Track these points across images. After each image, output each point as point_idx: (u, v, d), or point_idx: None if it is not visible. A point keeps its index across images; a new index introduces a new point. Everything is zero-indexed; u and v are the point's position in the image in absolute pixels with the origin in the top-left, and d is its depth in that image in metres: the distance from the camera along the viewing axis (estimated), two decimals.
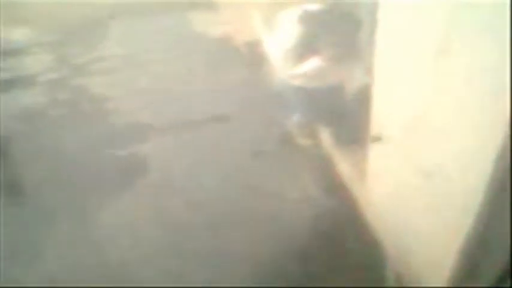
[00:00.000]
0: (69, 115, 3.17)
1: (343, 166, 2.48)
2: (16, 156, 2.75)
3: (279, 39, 2.70)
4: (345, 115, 2.49)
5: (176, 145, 2.82)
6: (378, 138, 1.89)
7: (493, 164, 1.16)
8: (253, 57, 3.43)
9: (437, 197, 1.50)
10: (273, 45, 2.86)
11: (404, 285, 1.84)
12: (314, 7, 2.58)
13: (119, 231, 2.28)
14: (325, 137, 2.71)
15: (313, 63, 2.51)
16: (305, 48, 2.51)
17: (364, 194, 2.22)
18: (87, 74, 3.62)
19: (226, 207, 2.36)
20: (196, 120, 2.99)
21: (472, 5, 1.13)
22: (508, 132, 1.08)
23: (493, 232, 1.29)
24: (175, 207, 2.40)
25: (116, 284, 1.99)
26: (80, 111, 3.22)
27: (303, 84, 2.58)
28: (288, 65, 2.59)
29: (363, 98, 2.04)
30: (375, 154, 2.02)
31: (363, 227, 2.14)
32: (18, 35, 4.02)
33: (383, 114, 1.86)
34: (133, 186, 2.54)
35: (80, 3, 4.10)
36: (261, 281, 1.97)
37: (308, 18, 2.52)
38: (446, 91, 1.33)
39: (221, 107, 3.05)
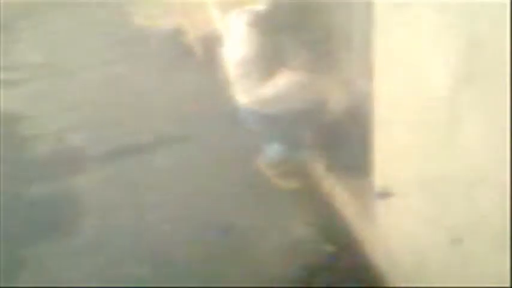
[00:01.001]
0: None
1: (344, 205, 2.23)
2: None
3: (231, 49, 2.31)
4: (336, 140, 2.22)
5: (118, 176, 2.53)
6: (386, 195, 1.69)
7: None
8: (211, 58, 3.18)
9: (469, 265, 1.42)
10: (227, 55, 2.44)
11: None
12: (264, 7, 2.18)
13: None
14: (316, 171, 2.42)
15: (282, 80, 2.13)
16: (265, 61, 2.14)
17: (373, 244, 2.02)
18: None
19: (192, 262, 2.06)
20: (142, 144, 2.72)
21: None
22: None
23: None
24: (122, 259, 2.11)
25: None
26: None
27: (273, 110, 2.21)
28: (244, 85, 2.21)
29: (362, 113, 1.82)
30: (385, 210, 1.84)
31: None
32: None
33: (390, 165, 1.71)
34: (66, 232, 2.27)
35: None
36: None
37: (261, 21, 2.14)
38: (469, 131, 1.22)
39: (173, 128, 2.78)
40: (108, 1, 4.00)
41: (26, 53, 3.68)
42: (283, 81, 2.15)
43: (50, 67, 3.49)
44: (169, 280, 2.01)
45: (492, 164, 1.18)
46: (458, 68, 1.19)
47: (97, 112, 2.99)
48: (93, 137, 2.78)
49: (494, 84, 1.09)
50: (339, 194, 2.27)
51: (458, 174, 1.33)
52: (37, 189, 2.49)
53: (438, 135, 1.37)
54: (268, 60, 2.15)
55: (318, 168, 2.40)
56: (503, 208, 1.16)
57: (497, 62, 1.05)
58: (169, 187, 2.43)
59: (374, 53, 1.56)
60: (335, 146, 2.27)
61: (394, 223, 1.81)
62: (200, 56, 3.25)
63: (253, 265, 2.05)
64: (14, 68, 3.49)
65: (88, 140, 2.76)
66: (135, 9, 3.97)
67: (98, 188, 2.47)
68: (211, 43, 3.18)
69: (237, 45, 2.23)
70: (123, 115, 2.94)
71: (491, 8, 1.03)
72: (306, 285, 2.00)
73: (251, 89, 2.19)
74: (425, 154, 1.47)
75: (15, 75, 3.42)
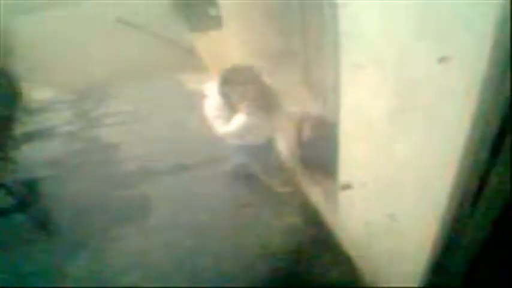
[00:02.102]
0: (85, 161, 3.54)
1: (317, 200, 2.63)
2: (42, 198, 3.06)
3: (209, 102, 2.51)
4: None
5: (176, 184, 3.10)
6: (347, 186, 1.87)
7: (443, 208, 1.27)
8: None
9: (399, 233, 1.63)
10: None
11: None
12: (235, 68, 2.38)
13: (130, 259, 2.55)
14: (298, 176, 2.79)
15: (238, 119, 2.35)
16: (225, 106, 2.39)
17: (338, 225, 2.33)
18: (100, 127, 3.97)
19: (223, 238, 2.63)
20: (192, 163, 3.26)
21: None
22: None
23: (447, 255, 1.43)
24: (180, 236, 2.66)
25: None
26: (94, 157, 3.58)
27: (242, 142, 2.52)
28: (217, 124, 2.46)
29: (330, 134, 2.00)
30: (346, 200, 2.05)
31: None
32: (42, 95, 4.48)
33: (350, 168, 1.88)
34: (141, 219, 2.81)
35: (88, 69, 4.46)
36: None
37: (223, 79, 2.36)
38: (402, 145, 1.36)
39: (213, 152, 3.19)
40: (165, 74, 4.45)
41: (118, 104, 4.26)
42: (241, 121, 2.32)
43: (134, 114, 4.04)
44: (211, 248, 2.49)
45: (416, 166, 1.30)
46: (394, 104, 1.30)
47: (163, 143, 3.49)
48: (160, 159, 3.33)
49: (419, 114, 1.19)
50: (315, 192, 2.63)
51: (395, 173, 1.47)
52: (122, 192, 3.06)
53: (383, 147, 1.48)
54: (229, 106, 2.34)
55: (303, 176, 2.76)
56: (422, 195, 1.33)
57: (422, 99, 1.14)
58: (209, 190, 2.97)
59: (340, 98, 1.70)
60: (310, 157, 2.63)
61: (352, 208, 2.01)
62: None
63: (261, 238, 2.53)
64: (112, 115, 4.10)
65: (157, 160, 3.32)
66: (188, 77, 4.37)
67: (162, 191, 3.02)
68: None
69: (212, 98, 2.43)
70: (179, 144, 3.44)
71: (420, 62, 1.10)
72: (294, 251, 2.40)
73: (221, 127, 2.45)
74: (374, 159, 1.59)
75: (112, 119, 4.02)
